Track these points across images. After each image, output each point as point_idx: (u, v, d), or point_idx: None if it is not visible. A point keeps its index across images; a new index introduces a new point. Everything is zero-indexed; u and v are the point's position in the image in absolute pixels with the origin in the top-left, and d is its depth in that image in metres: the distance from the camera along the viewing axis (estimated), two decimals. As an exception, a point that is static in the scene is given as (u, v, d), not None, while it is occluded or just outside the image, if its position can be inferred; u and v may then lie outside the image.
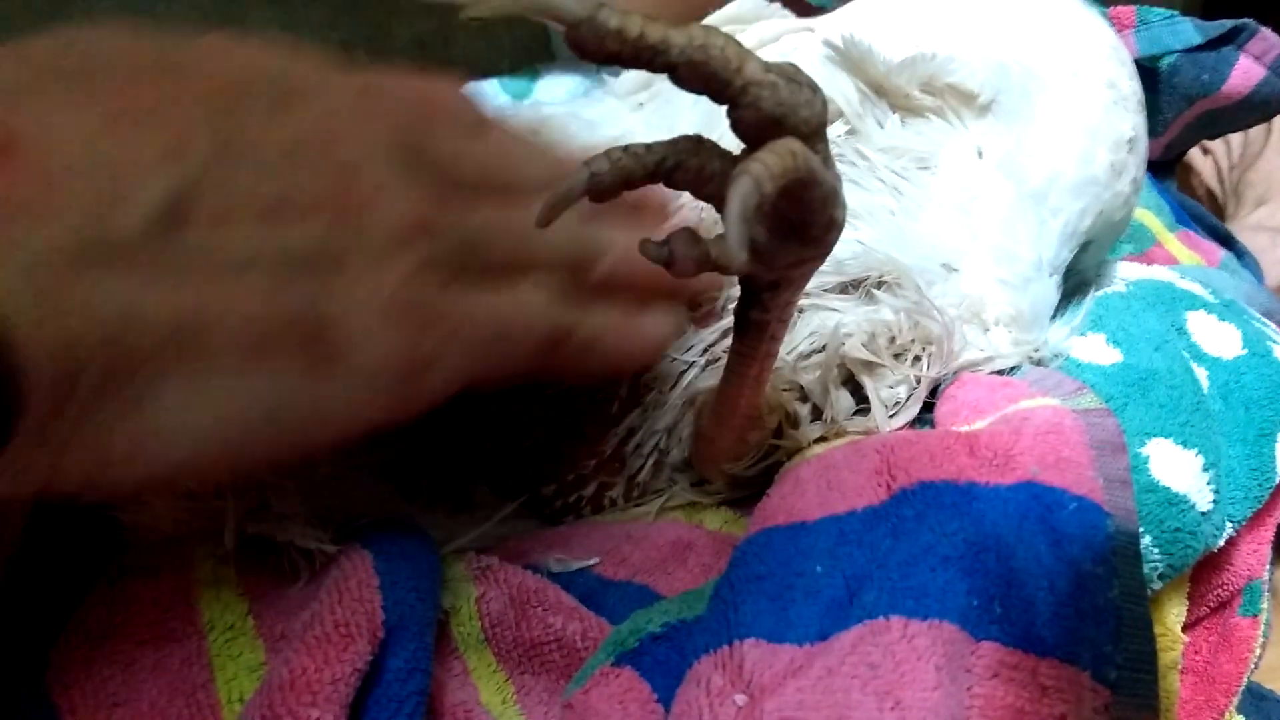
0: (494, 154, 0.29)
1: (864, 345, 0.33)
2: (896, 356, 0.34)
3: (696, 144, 0.24)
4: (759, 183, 0.21)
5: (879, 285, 0.35)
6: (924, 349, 0.34)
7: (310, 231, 0.24)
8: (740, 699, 0.22)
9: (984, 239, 0.36)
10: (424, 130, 0.27)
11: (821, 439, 0.33)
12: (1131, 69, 0.40)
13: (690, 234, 0.24)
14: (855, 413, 0.33)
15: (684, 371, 0.35)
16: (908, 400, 0.34)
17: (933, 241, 0.35)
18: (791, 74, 0.23)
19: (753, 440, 0.32)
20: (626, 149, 0.23)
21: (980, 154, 0.37)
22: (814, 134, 0.23)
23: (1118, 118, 0.38)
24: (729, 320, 0.34)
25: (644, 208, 0.32)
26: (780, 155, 0.21)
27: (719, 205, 0.25)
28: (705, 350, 0.35)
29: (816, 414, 0.33)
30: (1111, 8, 0.52)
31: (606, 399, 0.35)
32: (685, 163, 0.24)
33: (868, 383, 0.33)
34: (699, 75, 0.22)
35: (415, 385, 0.26)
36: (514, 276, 0.28)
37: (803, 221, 0.24)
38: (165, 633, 0.25)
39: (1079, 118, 0.38)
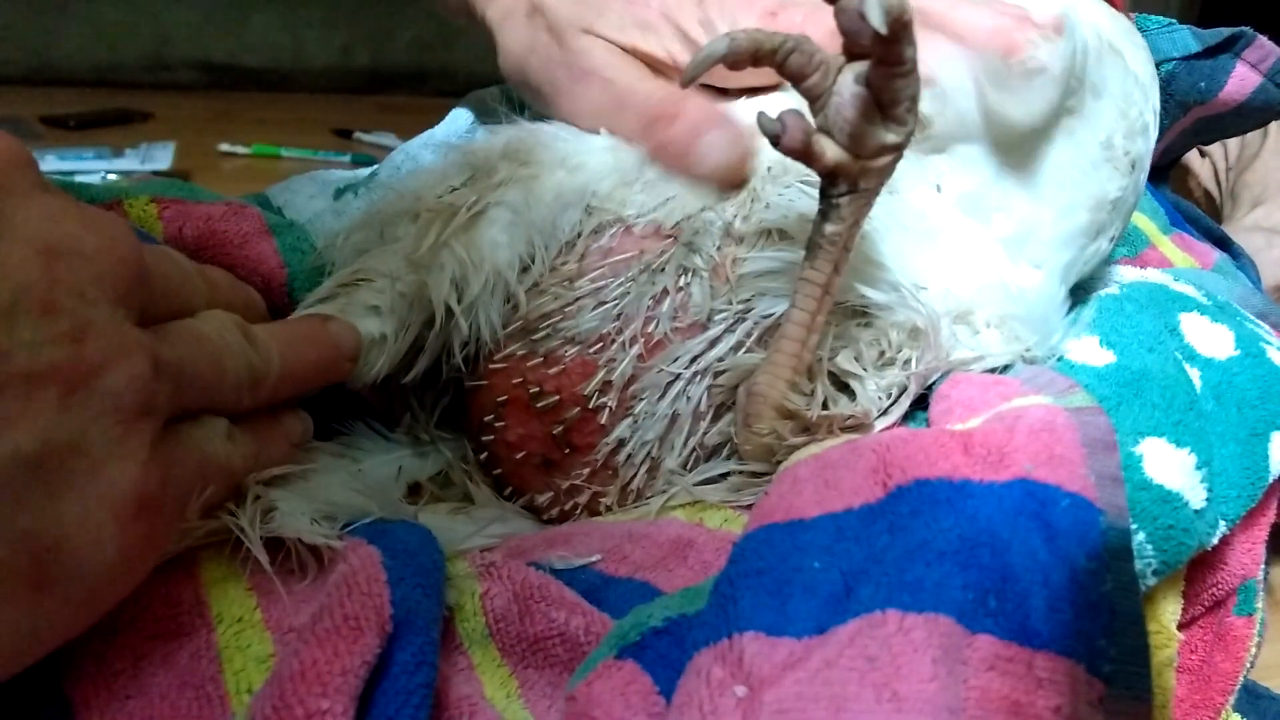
0: (168, 271, 0.26)
1: (855, 359, 0.34)
2: (883, 367, 0.34)
3: (807, 38, 0.29)
4: None
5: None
6: (912, 347, 0.34)
7: (37, 422, 0.20)
8: (740, 691, 0.22)
9: (953, 265, 0.37)
10: (133, 259, 0.23)
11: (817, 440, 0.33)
12: (1138, 123, 0.39)
13: (799, 113, 0.29)
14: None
15: (671, 383, 0.35)
16: (899, 396, 0.34)
17: (902, 263, 0.36)
18: None
19: (800, 403, 0.33)
20: (759, 29, 0.29)
21: (939, 189, 0.37)
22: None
23: (1104, 176, 0.38)
24: (715, 330, 0.35)
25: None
26: None
27: (815, 99, 0.30)
28: (692, 361, 0.35)
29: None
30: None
31: (595, 409, 0.35)
32: (801, 47, 0.29)
33: (856, 385, 0.34)
34: None
35: (144, 572, 0.23)
36: (211, 412, 0.26)
37: (893, 97, 0.29)
38: (174, 627, 0.25)
39: (1062, 174, 0.37)
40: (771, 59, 0.29)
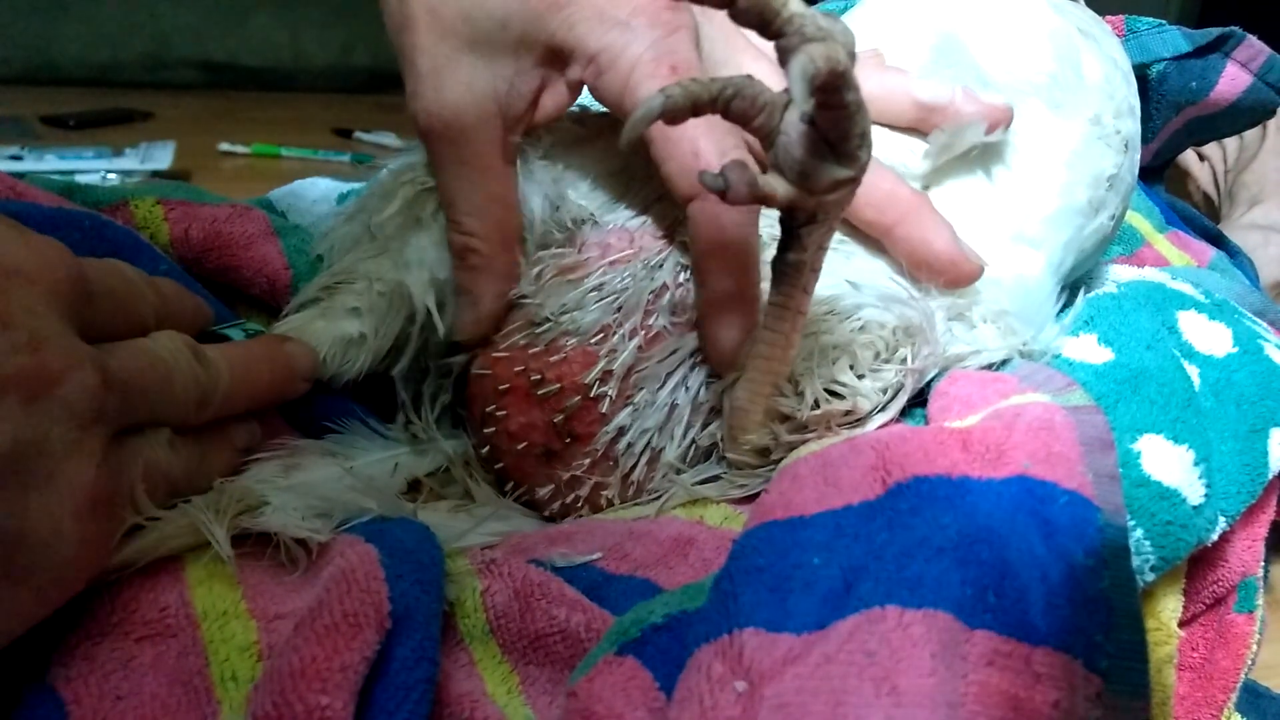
0: (115, 286, 0.27)
1: (849, 367, 0.34)
2: (877, 372, 0.35)
3: (750, 79, 0.28)
4: (813, 58, 0.24)
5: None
6: (908, 345, 0.35)
7: (6, 424, 0.21)
8: (740, 686, 0.22)
9: None
10: (75, 278, 0.24)
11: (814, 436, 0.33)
12: (1124, 105, 0.40)
13: (742, 164, 0.28)
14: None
15: (671, 373, 0.35)
16: (896, 394, 0.34)
17: (895, 261, 0.37)
18: (824, 14, 0.26)
19: (784, 409, 0.33)
20: (694, 79, 0.27)
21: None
22: (848, 56, 0.26)
23: (1098, 153, 0.39)
24: None
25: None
26: (827, 48, 0.24)
27: (764, 139, 0.29)
28: (690, 354, 0.35)
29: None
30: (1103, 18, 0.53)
31: (596, 398, 0.35)
32: (743, 91, 0.28)
33: (850, 387, 0.34)
34: (753, 11, 0.25)
35: (99, 566, 0.25)
36: (157, 423, 0.27)
37: (841, 134, 0.27)
38: (162, 629, 0.25)
39: (1054, 153, 0.38)
40: (712, 108, 0.27)
